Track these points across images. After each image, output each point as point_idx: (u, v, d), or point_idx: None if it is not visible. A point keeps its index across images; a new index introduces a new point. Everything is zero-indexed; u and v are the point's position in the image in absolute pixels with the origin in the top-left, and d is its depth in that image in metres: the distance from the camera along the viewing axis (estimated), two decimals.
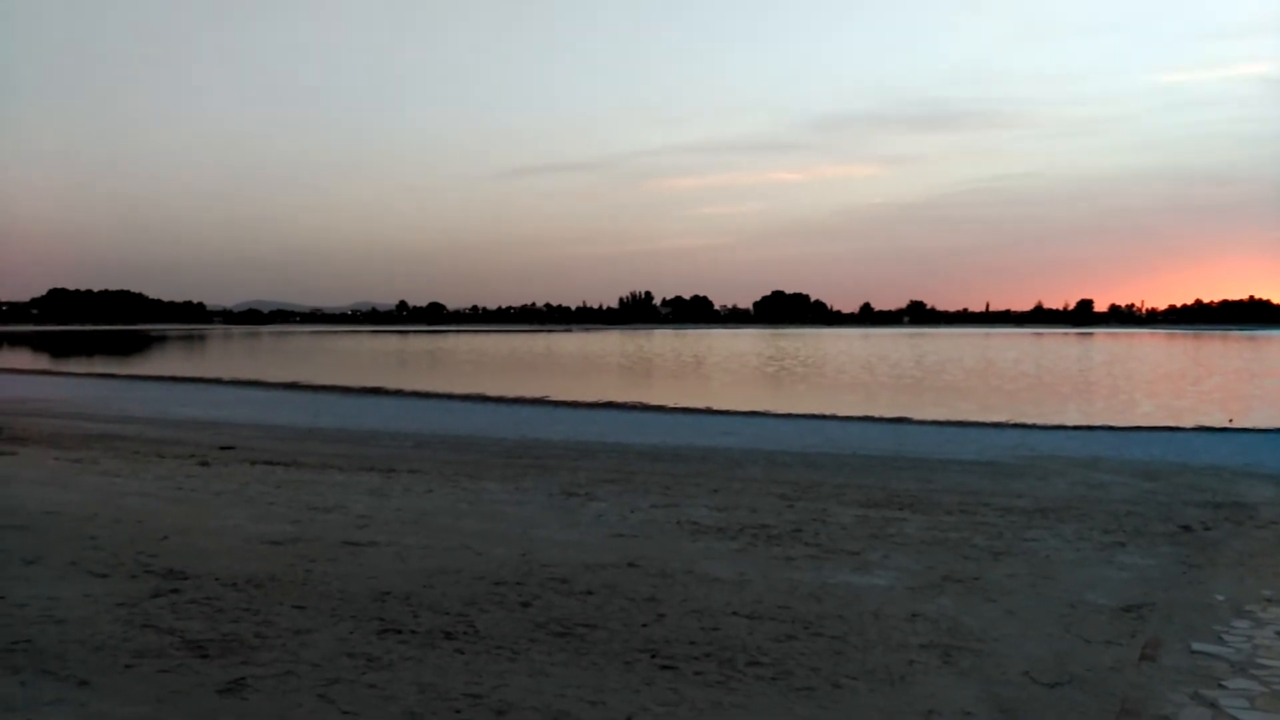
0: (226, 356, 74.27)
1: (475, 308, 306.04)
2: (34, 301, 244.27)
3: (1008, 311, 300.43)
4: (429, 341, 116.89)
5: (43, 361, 63.45)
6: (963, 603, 6.25)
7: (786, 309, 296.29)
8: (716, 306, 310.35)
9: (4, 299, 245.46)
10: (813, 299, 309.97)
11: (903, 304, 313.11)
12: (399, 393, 35.01)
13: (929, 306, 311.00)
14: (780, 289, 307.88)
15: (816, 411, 27.28)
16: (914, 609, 6.06)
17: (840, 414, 26.48)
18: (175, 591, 6.04)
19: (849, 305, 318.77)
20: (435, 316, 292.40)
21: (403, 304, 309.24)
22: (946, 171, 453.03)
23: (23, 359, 67.21)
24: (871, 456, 16.08)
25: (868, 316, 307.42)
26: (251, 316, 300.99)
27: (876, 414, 26.55)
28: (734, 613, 5.88)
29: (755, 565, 7.20)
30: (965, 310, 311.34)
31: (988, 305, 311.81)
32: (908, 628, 5.66)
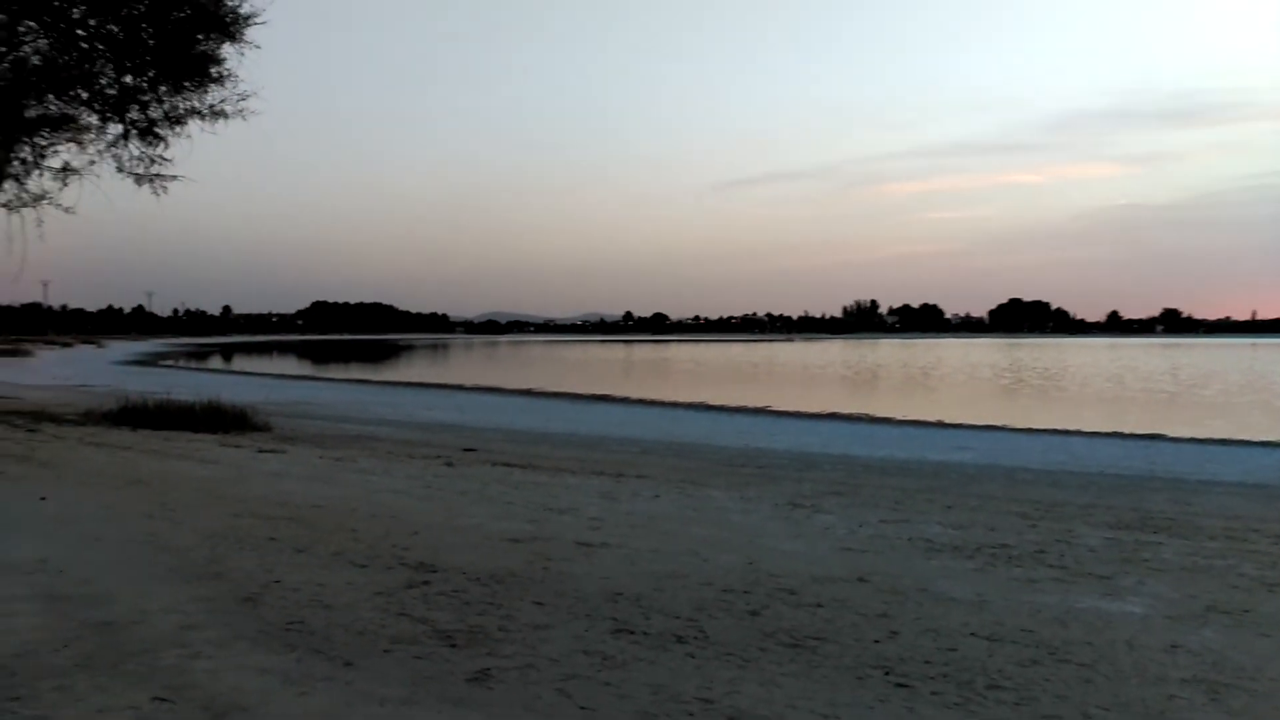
0: (467, 364, 78.58)
1: (697, 317, 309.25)
2: (299, 313, 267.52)
3: (1278, 320, 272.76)
4: (653, 350, 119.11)
5: (307, 368, 69.41)
6: (1230, 636, 5.73)
7: (1024, 318, 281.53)
8: (947, 315, 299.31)
9: (276, 311, 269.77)
10: (1053, 307, 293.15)
11: (1155, 312, 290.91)
12: (625, 400, 35.89)
13: (1185, 314, 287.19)
14: (1018, 296, 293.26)
15: (1059, 426, 25.78)
16: (1173, 640, 5.61)
17: (1085, 429, 24.90)
18: (426, 584, 6.44)
19: (1094, 314, 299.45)
20: (659, 326, 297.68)
21: (629, 314, 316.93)
22: (1200, 169, 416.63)
23: (290, 365, 73.77)
24: (1122, 475, 15.03)
25: (1115, 325, 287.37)
26: (490, 327, 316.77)
27: (1126, 430, 24.78)
28: (972, 634, 5.64)
29: (994, 586, 6.89)
30: (1228, 318, 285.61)
31: (1254, 313, 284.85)
32: (1166, 660, 5.25)
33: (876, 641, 5.45)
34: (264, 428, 17.62)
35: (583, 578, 6.73)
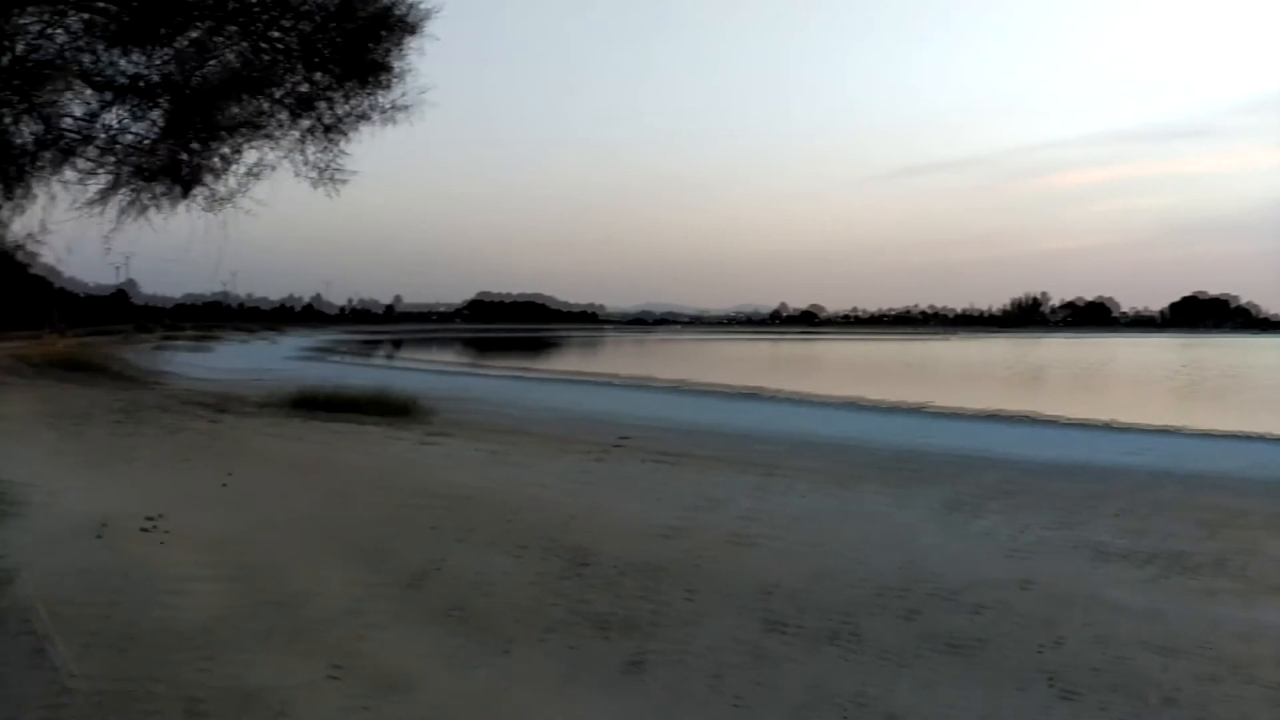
0: (618, 357, 79.58)
1: (853, 310, 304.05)
2: (462, 306, 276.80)
3: None
4: (805, 346, 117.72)
5: (467, 359, 71.76)
6: None
7: (1206, 314, 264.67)
8: (1120, 311, 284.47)
9: (441, 302, 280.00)
10: (1243, 301, 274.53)
11: None
12: (775, 395, 35.62)
13: None
14: (1200, 291, 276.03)
15: (1242, 430, 24.13)
16: None
17: (1273, 433, 23.22)
18: (580, 573, 6.57)
19: None
20: (811, 320, 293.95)
21: (781, 307, 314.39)
22: None
23: (451, 357, 76.44)
24: None
25: None
26: (641, 320, 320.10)
27: None
28: (1144, 645, 5.36)
29: (1169, 596, 6.52)
30: None
31: None
32: None
33: (1040, 649, 5.25)
34: (426, 418, 18.33)
35: (734, 572, 6.73)
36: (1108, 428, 24.99)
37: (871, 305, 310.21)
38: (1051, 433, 23.23)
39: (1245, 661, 5.14)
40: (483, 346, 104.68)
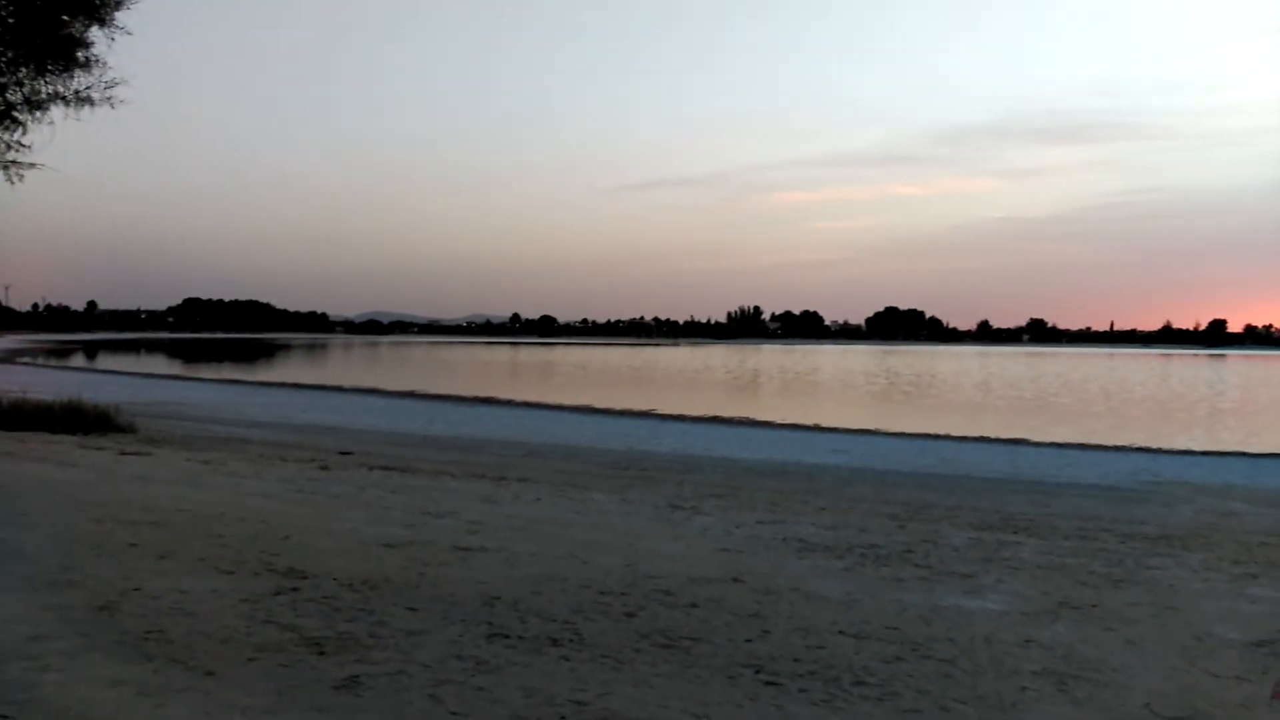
0: (346, 365, 76.78)
1: (585, 320, 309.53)
2: (170, 310, 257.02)
3: (1134, 331, 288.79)
4: (539, 353, 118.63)
5: (176, 367, 66.74)
6: (1079, 630, 6.04)
7: (900, 326, 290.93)
8: (827, 322, 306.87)
9: (144, 307, 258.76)
10: (928, 316, 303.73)
11: (1022, 322, 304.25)
12: (509, 403, 35.64)
13: (1050, 325, 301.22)
14: (894, 305, 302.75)
15: (929, 431, 26.70)
16: (1028, 635, 5.88)
17: (954, 434, 25.86)
18: (295, 590, 6.27)
19: (966, 322, 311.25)
20: (546, 329, 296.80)
21: (515, 316, 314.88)
22: (1072, 186, 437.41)
23: (158, 364, 70.82)
24: (986, 478, 15.67)
25: (985, 334, 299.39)
26: (372, 327, 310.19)
27: (992, 435, 25.85)
28: (840, 631, 5.80)
29: (863, 585, 7.10)
30: (1089, 329, 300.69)
31: (1112, 324, 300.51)
32: (1021, 654, 5.50)
33: (749, 640, 5.56)
34: (128, 429, 16.87)
35: (459, 582, 6.66)
36: (816, 429, 26.92)
37: (604, 315, 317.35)
38: (767, 434, 24.72)
39: (924, 641, 5.67)
40: (196, 352, 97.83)
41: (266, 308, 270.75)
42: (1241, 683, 5.16)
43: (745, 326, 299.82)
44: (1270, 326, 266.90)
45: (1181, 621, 6.36)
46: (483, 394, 39.46)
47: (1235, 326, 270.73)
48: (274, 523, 8.66)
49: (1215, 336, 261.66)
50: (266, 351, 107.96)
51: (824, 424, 28.57)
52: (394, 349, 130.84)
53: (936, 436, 25.16)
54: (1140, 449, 22.74)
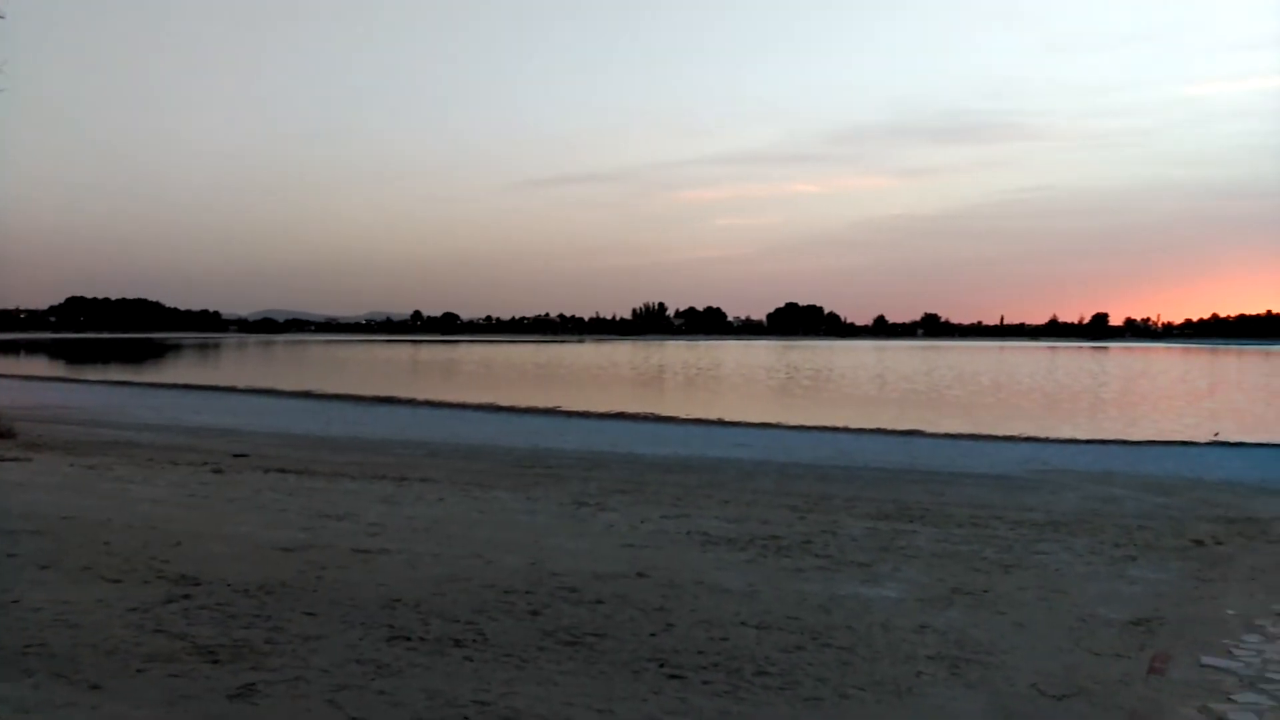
0: (240, 365, 74.60)
1: (489, 318, 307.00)
2: (52, 309, 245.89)
3: (1022, 325, 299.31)
4: (442, 351, 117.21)
5: (59, 369, 63.90)
6: (972, 615, 6.25)
7: (800, 321, 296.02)
8: (730, 318, 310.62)
9: (23, 306, 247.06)
10: (826, 311, 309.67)
11: (917, 316, 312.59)
12: (411, 402, 35.12)
13: (943, 319, 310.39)
14: (794, 301, 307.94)
15: (828, 424, 27.24)
16: (923, 621, 6.06)
17: (852, 427, 26.44)
18: (187, 597, 6.08)
19: (863, 318, 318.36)
20: (449, 326, 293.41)
21: (417, 314, 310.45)
22: (964, 184, 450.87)
23: (39, 366, 67.70)
24: (883, 469, 16.05)
25: (882, 329, 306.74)
26: (266, 325, 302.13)
27: (888, 427, 26.51)
28: (742, 623, 5.89)
29: (765, 576, 7.21)
30: (979, 323, 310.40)
31: (1002, 318, 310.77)
32: (916, 639, 5.66)
33: (653, 635, 5.59)
34: (7, 434, 16.09)
35: (359, 585, 6.55)
36: (720, 424, 27.21)
37: (508, 312, 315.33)
38: (672, 429, 24.88)
39: (823, 630, 5.79)
40: (81, 353, 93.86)
41: (155, 306, 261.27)
42: (1121, 659, 5.40)
43: (650, 323, 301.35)
44: (1149, 320, 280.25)
45: (1067, 603, 6.63)
46: (383, 393, 38.78)
47: (1116, 320, 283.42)
48: (164, 528, 8.38)
49: (1098, 330, 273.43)
50: (156, 352, 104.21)
51: (727, 418, 28.90)
52: (290, 348, 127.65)
53: (835, 429, 25.68)
54: (1029, 439, 23.59)
